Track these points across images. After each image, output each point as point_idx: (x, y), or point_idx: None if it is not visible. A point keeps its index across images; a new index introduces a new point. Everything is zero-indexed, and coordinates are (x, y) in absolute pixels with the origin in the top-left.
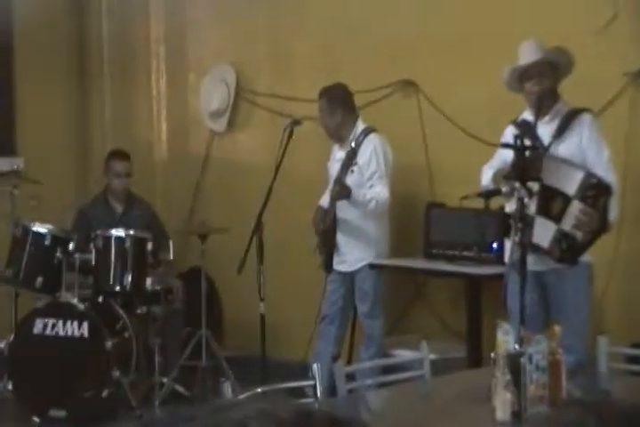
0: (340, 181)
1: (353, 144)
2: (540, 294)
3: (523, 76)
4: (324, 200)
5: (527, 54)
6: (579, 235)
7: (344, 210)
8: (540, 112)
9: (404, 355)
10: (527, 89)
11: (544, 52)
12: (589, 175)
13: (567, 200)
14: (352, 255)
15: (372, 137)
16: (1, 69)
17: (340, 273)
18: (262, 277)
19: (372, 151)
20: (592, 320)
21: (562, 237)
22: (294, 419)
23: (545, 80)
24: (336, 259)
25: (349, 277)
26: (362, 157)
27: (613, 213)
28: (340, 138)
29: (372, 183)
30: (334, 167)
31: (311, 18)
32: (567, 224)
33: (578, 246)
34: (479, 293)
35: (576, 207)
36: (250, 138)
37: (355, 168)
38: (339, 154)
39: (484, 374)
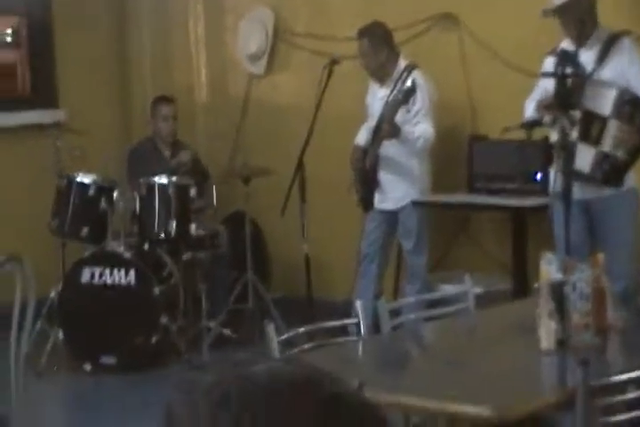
0: (390, 120)
1: (409, 83)
2: (586, 223)
3: (558, 12)
4: (361, 138)
5: None
6: (619, 154)
7: (388, 148)
8: (580, 40)
9: (449, 289)
10: (563, 21)
11: None
12: (623, 92)
13: (604, 121)
14: (396, 193)
15: (416, 74)
16: (40, 21)
17: (381, 212)
18: (305, 217)
19: (420, 83)
20: (638, 248)
21: (602, 158)
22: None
23: (578, 11)
24: (378, 197)
25: (392, 216)
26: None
27: None
28: (382, 77)
29: (417, 120)
30: (376, 105)
31: None
32: (606, 145)
33: (620, 166)
34: (524, 224)
35: (613, 126)
36: (289, 79)
37: (409, 107)
38: (380, 92)
39: (528, 305)
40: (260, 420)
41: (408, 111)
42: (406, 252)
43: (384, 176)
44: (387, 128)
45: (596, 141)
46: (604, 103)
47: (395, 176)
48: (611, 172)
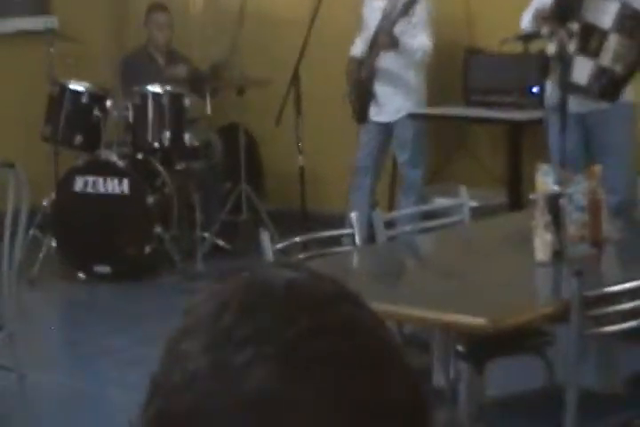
0: (388, 31)
1: None
2: (582, 136)
3: None
4: (356, 50)
5: None
6: (618, 68)
7: (385, 59)
8: None
9: (443, 202)
10: None
11: None
12: (625, 6)
13: (604, 34)
14: (392, 105)
15: None
16: None
17: (376, 124)
18: (301, 129)
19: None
20: (634, 162)
21: (600, 72)
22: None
23: None
24: (373, 109)
25: (387, 128)
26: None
27: None
28: None
29: (415, 32)
30: (372, 17)
31: None
32: (605, 58)
33: (617, 80)
34: (520, 138)
35: (613, 40)
36: None
37: (409, 18)
38: (377, 3)
39: (524, 217)
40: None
41: (408, 23)
42: (402, 164)
43: (380, 88)
44: (385, 39)
45: (595, 54)
46: (605, 16)
47: (391, 88)
48: (608, 86)
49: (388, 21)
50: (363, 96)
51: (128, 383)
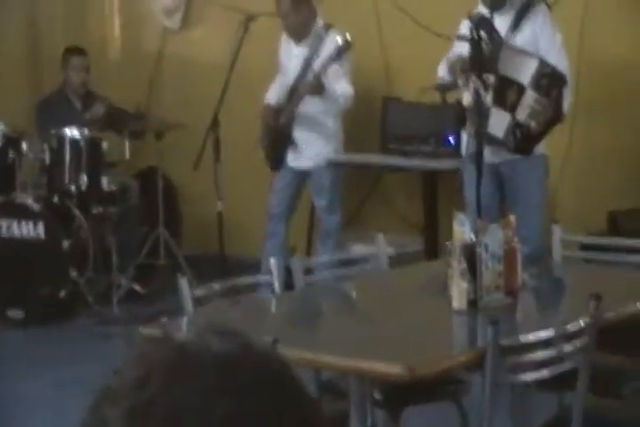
0: (317, 76)
1: (340, 41)
2: (496, 186)
3: None
4: (271, 96)
5: None
6: (533, 124)
7: (306, 105)
8: (495, 5)
9: (360, 249)
10: None
11: None
12: (543, 64)
13: (522, 90)
14: (311, 151)
15: (334, 33)
16: None
17: (293, 170)
18: (219, 174)
19: (338, 46)
20: (547, 212)
21: (516, 126)
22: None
23: None
24: (292, 155)
25: (304, 174)
26: (328, 52)
27: (567, 103)
28: (301, 35)
29: (337, 79)
30: (292, 64)
31: None
32: (522, 114)
33: (532, 136)
34: (436, 186)
35: (530, 97)
36: (204, 35)
37: (340, 63)
38: (297, 50)
39: (440, 265)
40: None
41: (332, 69)
42: (319, 210)
43: (299, 133)
44: (313, 84)
45: (512, 109)
46: (525, 73)
47: (311, 133)
48: (523, 140)
49: (310, 67)
50: (279, 142)
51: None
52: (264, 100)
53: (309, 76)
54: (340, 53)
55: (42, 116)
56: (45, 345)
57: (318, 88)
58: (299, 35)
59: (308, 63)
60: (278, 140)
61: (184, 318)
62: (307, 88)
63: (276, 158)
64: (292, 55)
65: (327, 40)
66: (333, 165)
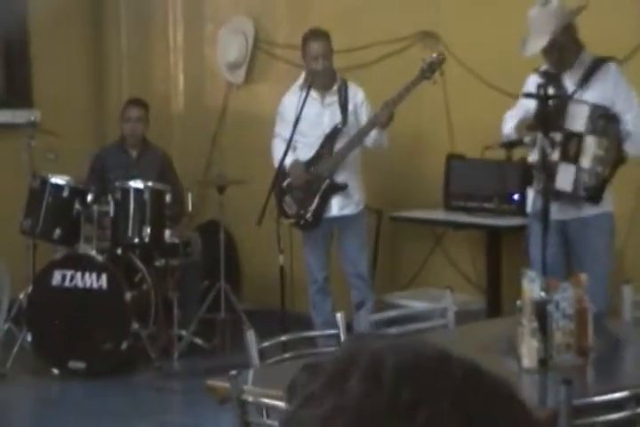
0: (390, 106)
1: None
2: (563, 244)
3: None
4: (280, 153)
5: (533, 43)
6: (599, 168)
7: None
8: (562, 67)
9: (426, 305)
10: (546, 59)
11: (549, 32)
12: (595, 107)
13: (580, 138)
14: (357, 195)
15: (353, 84)
16: (16, 21)
17: (332, 220)
18: (281, 229)
19: (364, 96)
20: (613, 271)
21: (582, 175)
22: (434, 356)
23: (558, 50)
24: (339, 203)
25: (342, 221)
26: (358, 100)
27: (634, 149)
28: (329, 82)
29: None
30: (326, 113)
31: None
32: (586, 162)
33: (601, 180)
34: (499, 244)
35: (590, 141)
36: (268, 90)
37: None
38: (329, 99)
39: (506, 324)
40: (410, 392)
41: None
42: (353, 252)
43: (344, 180)
44: (388, 114)
45: (575, 160)
46: (578, 120)
47: (357, 178)
48: (592, 187)
49: (346, 113)
50: (323, 194)
51: None
52: (275, 158)
53: (351, 124)
54: (417, 81)
55: (96, 166)
56: (106, 398)
57: (390, 119)
58: (327, 82)
59: (344, 110)
60: (320, 191)
61: (250, 370)
62: (380, 120)
63: (317, 214)
64: (322, 104)
65: (350, 90)
66: (396, 220)
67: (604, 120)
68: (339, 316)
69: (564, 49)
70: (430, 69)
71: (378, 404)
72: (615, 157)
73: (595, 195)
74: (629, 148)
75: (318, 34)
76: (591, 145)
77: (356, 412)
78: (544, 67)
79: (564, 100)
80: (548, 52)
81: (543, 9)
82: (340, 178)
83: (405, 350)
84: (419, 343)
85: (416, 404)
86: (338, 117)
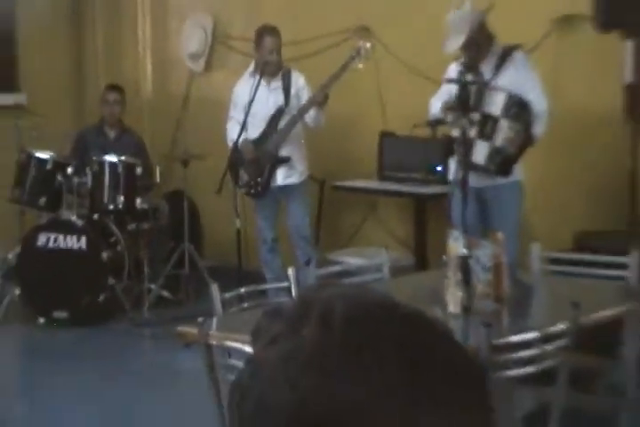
0: (325, 89)
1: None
2: (479, 208)
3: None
4: (235, 133)
5: (454, 35)
6: (509, 148)
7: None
8: (478, 59)
9: (363, 262)
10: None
11: (465, 32)
12: (511, 95)
13: (496, 120)
14: (300, 166)
15: (294, 73)
16: (4, 15)
17: (278, 189)
18: (237, 195)
19: (305, 81)
20: (522, 229)
21: (495, 152)
22: (379, 303)
23: (473, 47)
24: (283, 173)
25: (288, 189)
26: (299, 85)
27: (540, 129)
28: (277, 70)
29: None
30: (271, 96)
31: None
32: (498, 140)
33: (509, 159)
34: (425, 209)
35: (504, 124)
36: (225, 77)
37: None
38: (274, 84)
39: (432, 276)
40: (356, 337)
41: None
42: (297, 218)
43: (288, 153)
44: (322, 96)
45: (490, 137)
46: (495, 105)
47: (299, 151)
48: (501, 164)
49: (289, 97)
50: (270, 166)
51: (86, 417)
52: (230, 138)
53: (293, 105)
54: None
55: (79, 144)
56: (86, 343)
57: (325, 99)
58: (274, 71)
59: (287, 94)
60: (267, 164)
61: (214, 318)
62: (316, 100)
63: (265, 184)
64: (269, 89)
65: (293, 77)
66: (335, 190)
67: (518, 107)
68: (290, 271)
69: (479, 44)
70: (357, 55)
71: (329, 346)
72: (524, 140)
73: (502, 169)
74: (535, 128)
75: (271, 30)
76: (504, 127)
77: (310, 353)
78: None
79: (481, 85)
80: (465, 48)
81: (458, 11)
82: (284, 152)
83: (354, 298)
84: (367, 292)
85: (362, 347)
86: (281, 100)
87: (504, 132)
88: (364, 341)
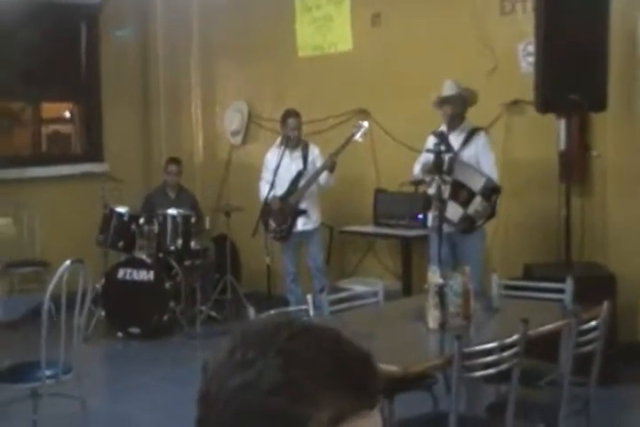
0: (333, 157)
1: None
2: (451, 248)
3: (443, 102)
4: (265, 191)
5: (448, 89)
6: (477, 218)
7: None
8: (451, 127)
9: (364, 289)
10: (444, 110)
11: (459, 89)
12: (489, 181)
13: (472, 194)
14: (314, 216)
15: (311, 145)
16: (94, 103)
17: (299, 234)
18: (267, 239)
19: (319, 152)
20: (484, 264)
21: (465, 217)
22: (274, 326)
23: (457, 107)
24: (301, 221)
25: (308, 234)
26: (315, 155)
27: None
28: (298, 143)
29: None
30: (293, 164)
31: (298, 68)
32: (471, 210)
33: (475, 224)
34: (410, 248)
35: (478, 200)
36: (258, 149)
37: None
38: (296, 154)
39: (415, 300)
40: (250, 352)
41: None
42: (314, 255)
43: (306, 205)
44: (333, 161)
45: (464, 205)
46: (476, 184)
47: (314, 204)
48: (468, 226)
49: (307, 164)
50: (292, 216)
51: (153, 406)
52: (261, 195)
53: (310, 170)
54: (335, 155)
55: (148, 202)
56: (154, 352)
57: (334, 165)
58: (297, 143)
59: (305, 161)
60: (290, 215)
61: None
62: (327, 166)
63: (288, 230)
64: (291, 158)
65: (310, 148)
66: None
67: (491, 191)
68: (308, 296)
69: (455, 116)
70: (357, 131)
71: (235, 360)
72: (489, 214)
73: (468, 229)
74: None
75: (293, 112)
76: (477, 202)
77: (228, 368)
78: (440, 128)
79: (452, 156)
80: (449, 101)
81: (452, 82)
82: (303, 205)
83: (260, 324)
84: (276, 318)
85: (254, 360)
86: (301, 166)
87: (476, 205)
88: (254, 354)
